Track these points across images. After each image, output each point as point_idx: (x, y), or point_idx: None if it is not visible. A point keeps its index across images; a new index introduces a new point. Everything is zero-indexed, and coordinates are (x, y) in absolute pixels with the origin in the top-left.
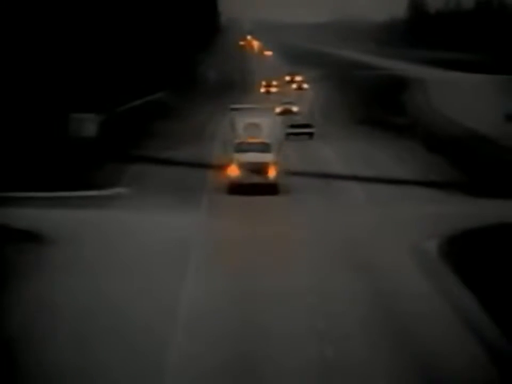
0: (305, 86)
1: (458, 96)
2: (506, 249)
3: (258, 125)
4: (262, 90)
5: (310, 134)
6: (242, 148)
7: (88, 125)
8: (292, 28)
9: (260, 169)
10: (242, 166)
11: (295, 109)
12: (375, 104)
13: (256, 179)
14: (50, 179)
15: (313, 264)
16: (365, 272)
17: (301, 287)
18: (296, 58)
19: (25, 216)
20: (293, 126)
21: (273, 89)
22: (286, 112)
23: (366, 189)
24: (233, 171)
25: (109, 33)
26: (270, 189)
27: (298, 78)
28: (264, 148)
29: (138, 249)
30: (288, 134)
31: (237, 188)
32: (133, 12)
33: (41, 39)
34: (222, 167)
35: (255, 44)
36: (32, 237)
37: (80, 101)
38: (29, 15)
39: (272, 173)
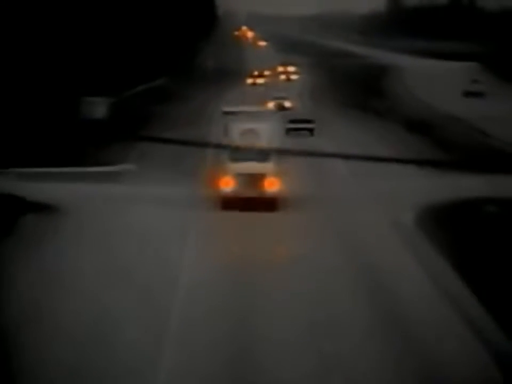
0: (293, 77)
1: (430, 80)
2: (475, 220)
3: (256, 131)
4: (249, 81)
5: (311, 130)
6: (238, 156)
7: (98, 107)
8: (284, 20)
9: (257, 181)
10: (237, 177)
11: (287, 104)
12: (357, 89)
13: (253, 193)
14: (64, 156)
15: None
16: (347, 239)
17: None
18: (288, 47)
19: (41, 190)
20: (292, 121)
21: (260, 81)
22: (279, 108)
23: (349, 166)
24: (226, 183)
25: (118, 25)
26: (269, 204)
27: (290, 69)
28: (262, 156)
29: (143, 216)
30: (288, 130)
31: (231, 203)
32: (140, 7)
33: (56, 32)
34: (214, 179)
35: (250, 34)
36: (47, 208)
37: (91, 86)
38: (42, 5)
39: (271, 186)
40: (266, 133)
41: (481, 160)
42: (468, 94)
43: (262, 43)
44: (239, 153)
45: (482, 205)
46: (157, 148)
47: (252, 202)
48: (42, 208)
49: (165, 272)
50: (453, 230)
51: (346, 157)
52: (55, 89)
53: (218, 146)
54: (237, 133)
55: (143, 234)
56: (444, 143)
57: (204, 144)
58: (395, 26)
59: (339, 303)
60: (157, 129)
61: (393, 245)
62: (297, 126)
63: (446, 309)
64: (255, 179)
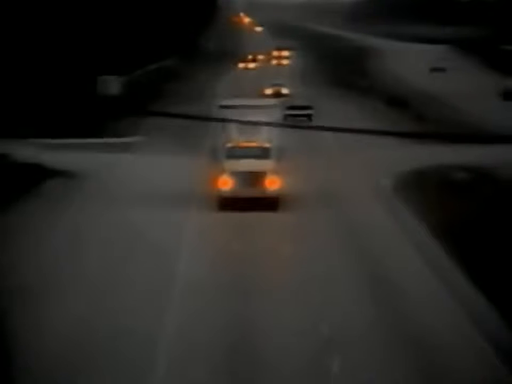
0: (284, 62)
1: (407, 61)
2: (445, 184)
3: (255, 126)
4: (241, 66)
5: (309, 116)
6: (236, 153)
7: (113, 85)
8: (278, 7)
9: (256, 179)
10: (235, 175)
11: (285, 91)
12: (342, 69)
13: (252, 192)
14: (82, 128)
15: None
16: (333, 202)
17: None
18: (281, 32)
19: (63, 158)
20: (290, 108)
21: (252, 65)
22: (276, 95)
23: (336, 138)
24: (224, 182)
25: (131, 12)
26: (270, 204)
27: (284, 53)
28: (262, 153)
29: (151, 180)
30: (286, 116)
31: (229, 203)
32: None
33: (76, 19)
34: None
35: (247, 20)
36: (68, 174)
37: (106, 65)
38: None
39: (271, 184)
40: (266, 127)
41: (451, 132)
42: (434, 69)
43: (258, 28)
44: (237, 150)
45: (451, 171)
46: (165, 121)
47: (251, 202)
48: (64, 174)
49: (170, 219)
50: (425, 192)
51: (332, 129)
52: (75, 69)
53: (221, 120)
54: (235, 128)
55: (150, 195)
56: (418, 116)
57: (207, 118)
58: (377, 12)
59: (328, 257)
60: (165, 105)
61: (373, 205)
62: (295, 112)
63: (415, 255)
64: (255, 177)
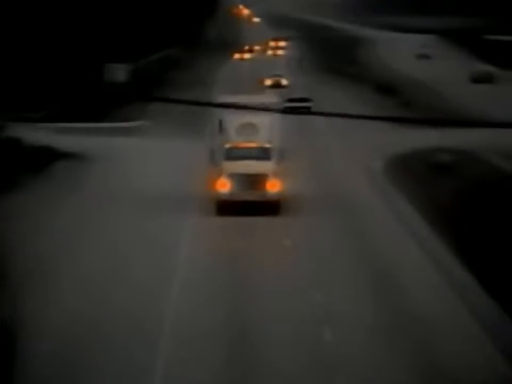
0: (279, 52)
1: (397, 50)
2: (431, 166)
3: (255, 125)
4: (236, 56)
5: (308, 108)
6: (234, 154)
7: (119, 72)
8: None
9: (256, 182)
10: (234, 178)
11: (284, 82)
12: (335, 57)
13: (251, 195)
14: (90, 113)
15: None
16: (327, 182)
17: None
18: (277, 23)
19: (72, 141)
20: (290, 100)
21: (247, 56)
22: (275, 86)
23: (328, 122)
24: (222, 185)
25: (137, 4)
26: (270, 208)
27: (281, 43)
28: (262, 154)
29: (155, 161)
30: (286, 108)
31: (228, 207)
32: None
33: (88, 11)
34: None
35: (246, 12)
36: (77, 156)
37: (113, 54)
38: None
39: (272, 187)
40: (266, 126)
41: (436, 117)
42: (419, 56)
43: (256, 19)
44: (236, 151)
45: (436, 153)
46: (168, 107)
47: (250, 206)
48: (73, 156)
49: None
50: (412, 173)
51: (325, 114)
52: (84, 57)
53: (222, 105)
54: (233, 127)
55: (154, 174)
56: (405, 102)
57: (208, 104)
58: (370, 4)
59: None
60: (169, 91)
61: (364, 185)
62: (295, 104)
63: (400, 230)
64: (255, 180)
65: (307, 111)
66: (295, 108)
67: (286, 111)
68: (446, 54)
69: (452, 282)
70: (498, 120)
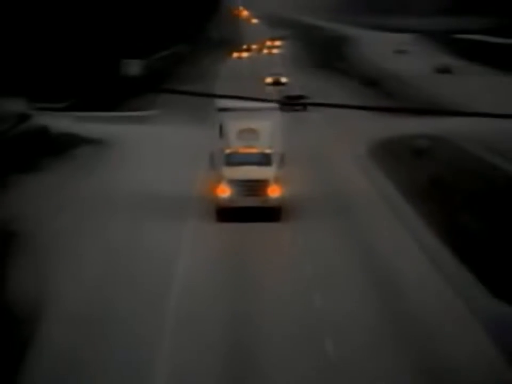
0: (275, 51)
1: (379, 47)
2: (411, 150)
3: (256, 131)
4: (235, 55)
5: (305, 105)
6: (235, 160)
7: (134, 67)
8: (272, 1)
9: (257, 187)
10: (234, 183)
11: (284, 80)
12: (325, 54)
13: (252, 201)
14: (108, 103)
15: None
16: (317, 164)
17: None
18: (274, 24)
19: (91, 129)
20: (287, 98)
21: (245, 55)
22: (276, 83)
23: (319, 112)
24: (222, 191)
25: (148, 6)
26: (271, 214)
27: (277, 43)
28: (263, 159)
29: (166, 145)
30: (283, 105)
31: (228, 213)
32: None
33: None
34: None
35: (245, 13)
36: (95, 142)
37: (128, 51)
38: None
39: (273, 193)
40: (266, 132)
41: (415, 106)
42: (396, 52)
43: (255, 20)
44: (236, 156)
45: (416, 139)
46: (177, 98)
47: (250, 212)
48: (92, 142)
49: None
50: (394, 157)
51: (316, 104)
52: (103, 54)
53: (224, 96)
54: (234, 132)
55: (165, 157)
56: (387, 93)
57: (213, 95)
58: (355, 5)
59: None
60: (177, 83)
61: (351, 169)
62: (291, 102)
63: (383, 208)
64: (255, 185)
65: (303, 108)
66: (292, 104)
67: (284, 108)
68: (420, 50)
69: (421, 246)
70: (469, 110)
